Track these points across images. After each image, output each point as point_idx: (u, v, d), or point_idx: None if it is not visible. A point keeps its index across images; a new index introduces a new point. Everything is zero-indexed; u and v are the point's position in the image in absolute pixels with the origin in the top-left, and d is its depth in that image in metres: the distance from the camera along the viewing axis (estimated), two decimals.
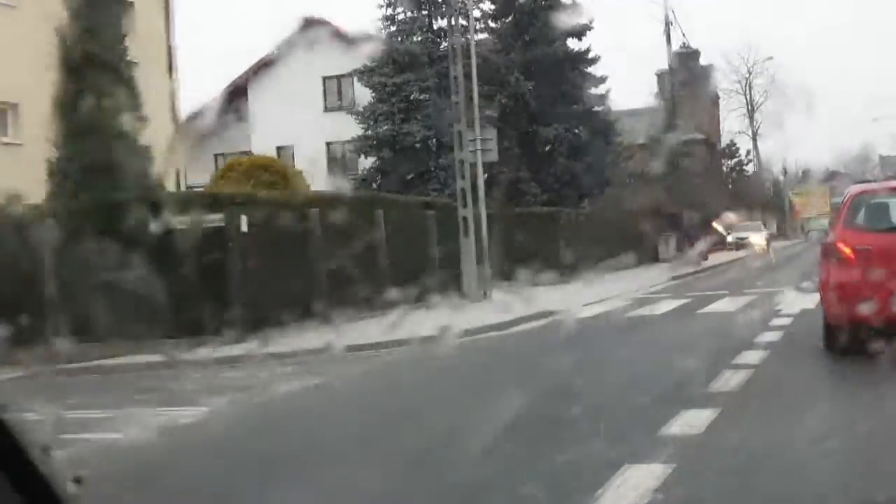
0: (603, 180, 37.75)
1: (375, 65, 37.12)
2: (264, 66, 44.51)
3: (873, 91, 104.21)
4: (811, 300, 18.16)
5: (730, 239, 51.10)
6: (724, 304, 18.53)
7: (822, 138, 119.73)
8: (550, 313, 18.42)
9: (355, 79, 39.50)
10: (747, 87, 76.30)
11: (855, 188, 11.95)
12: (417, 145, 36.11)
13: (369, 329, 15.82)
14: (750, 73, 77.38)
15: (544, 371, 11.13)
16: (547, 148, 33.90)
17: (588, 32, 36.41)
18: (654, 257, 38.28)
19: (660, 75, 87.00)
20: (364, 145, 36.88)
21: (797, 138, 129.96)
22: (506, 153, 34.33)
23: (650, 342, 13.50)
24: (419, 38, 37.64)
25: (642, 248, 37.88)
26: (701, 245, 42.09)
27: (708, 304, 18.56)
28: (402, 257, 19.76)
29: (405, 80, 36.59)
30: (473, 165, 22.17)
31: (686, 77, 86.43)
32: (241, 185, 20.46)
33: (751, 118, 74.87)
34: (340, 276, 17.05)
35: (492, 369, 11.82)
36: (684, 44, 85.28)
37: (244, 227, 14.85)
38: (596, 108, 36.97)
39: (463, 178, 21.34)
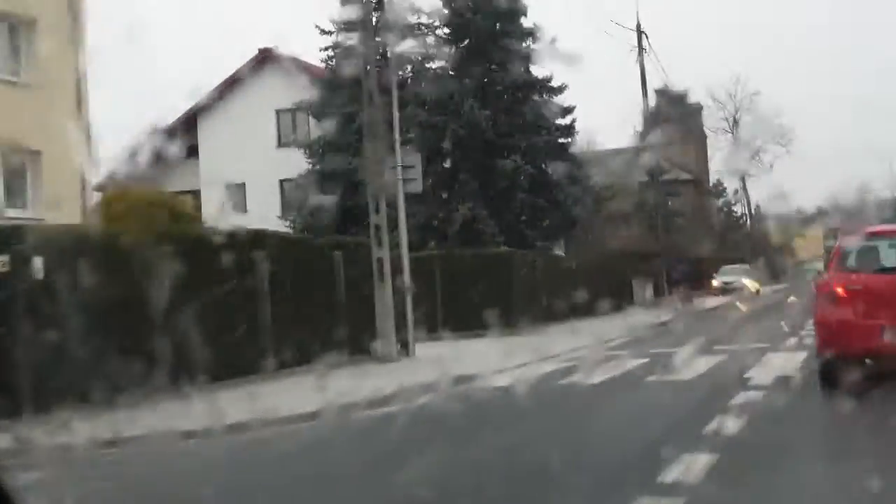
0: (571, 219, 33.86)
1: (326, 95, 33.55)
2: (215, 99, 40.74)
3: (869, 128, 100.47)
4: (793, 363, 14.39)
5: (715, 283, 47.20)
6: (685, 368, 14.66)
7: (815, 177, 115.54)
8: (467, 378, 14.58)
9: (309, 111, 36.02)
10: (734, 125, 72.70)
11: (847, 234, 13.34)
12: None
13: (217, 406, 11.90)
14: (737, 110, 73.87)
15: (371, 485, 7.26)
16: (506, 183, 30.03)
17: (552, 59, 32.65)
18: (628, 303, 34.41)
19: (645, 114, 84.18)
20: (310, 181, 33.10)
21: (788, 177, 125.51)
22: (461, 189, 30.64)
23: (556, 431, 9.61)
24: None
25: (616, 294, 34.01)
26: (684, 290, 38.29)
27: (664, 369, 14.68)
28: (294, 309, 15.90)
29: (356, 110, 32.96)
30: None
31: (672, 116, 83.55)
32: (118, 225, 16.62)
33: (738, 157, 71.10)
34: (192, 335, 13.16)
35: (320, 473, 7.96)
36: (666, 84, 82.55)
37: (38, 273, 11.04)
38: (562, 140, 33.16)
39: (378, 211, 17.53)
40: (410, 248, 30.12)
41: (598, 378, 13.53)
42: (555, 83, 32.55)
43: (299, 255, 16.60)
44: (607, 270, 35.09)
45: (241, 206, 38.05)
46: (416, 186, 19.43)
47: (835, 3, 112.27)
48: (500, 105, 30.72)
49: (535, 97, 32.04)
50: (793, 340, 18.52)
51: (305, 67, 37.89)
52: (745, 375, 12.80)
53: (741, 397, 10.72)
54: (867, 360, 10.52)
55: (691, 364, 14.99)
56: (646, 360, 16.14)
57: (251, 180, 39.24)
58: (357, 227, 32.56)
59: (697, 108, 78.78)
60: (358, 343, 17.25)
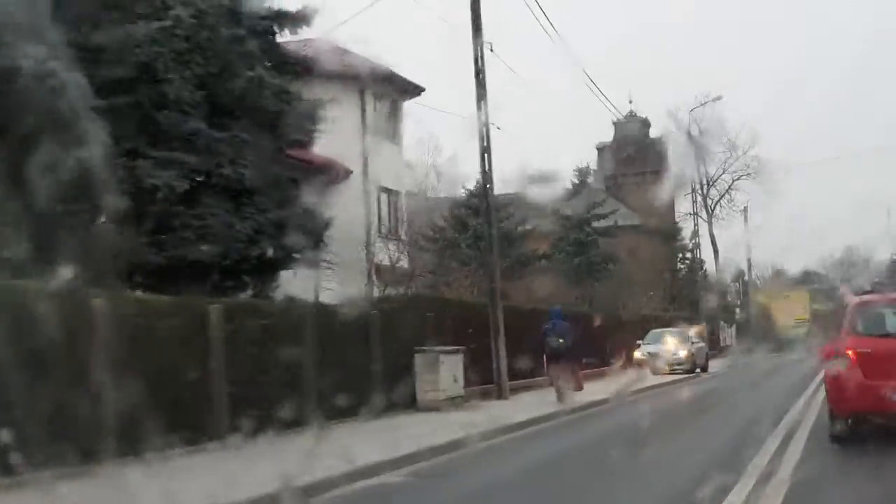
0: (309, 233, 16.40)
1: None
2: None
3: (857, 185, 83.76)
4: None
5: (638, 354, 29.85)
6: None
7: (797, 235, 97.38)
8: None
9: None
10: (697, 152, 55.26)
11: (855, 300, 13.01)
12: None
13: None
14: (700, 132, 56.49)
15: None
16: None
17: None
18: (408, 398, 16.68)
19: (601, 149, 67.43)
20: None
21: (765, 232, 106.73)
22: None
23: None
24: None
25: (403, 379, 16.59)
26: (564, 368, 20.81)
27: None
28: None
29: None
30: None
31: (631, 151, 66.67)
32: None
33: (703, 193, 53.54)
34: None
35: None
36: (631, 111, 65.63)
37: None
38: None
39: None
40: None
41: None
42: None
43: None
44: (403, 334, 17.69)
45: None
46: None
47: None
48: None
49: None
50: None
51: None
52: None
53: None
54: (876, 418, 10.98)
55: None
56: None
57: None
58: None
59: (661, 142, 62.31)
60: None
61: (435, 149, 38.20)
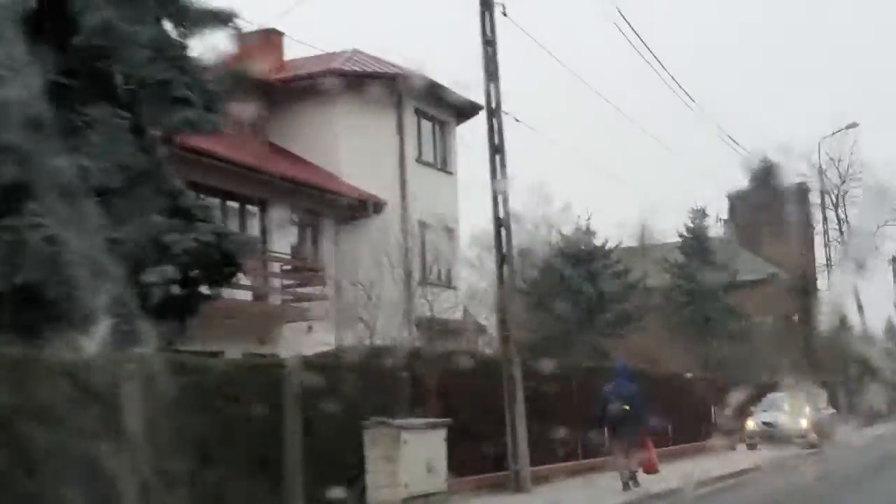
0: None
1: None
2: None
3: None
4: None
5: (751, 424, 23.99)
6: None
7: None
8: None
9: None
10: (838, 198, 48.63)
11: None
12: None
13: None
14: (843, 180, 49.98)
15: None
16: None
17: None
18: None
19: (732, 197, 61.47)
20: None
21: None
22: None
23: None
24: None
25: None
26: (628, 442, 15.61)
27: None
28: None
29: None
30: None
31: (764, 198, 60.35)
32: None
33: (843, 242, 46.78)
34: None
35: None
36: (765, 157, 59.35)
37: None
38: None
39: None
40: None
41: None
42: None
43: None
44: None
45: None
46: None
47: None
48: None
49: None
50: None
51: None
52: None
53: None
54: None
55: None
56: None
57: None
58: None
59: (799, 187, 55.88)
60: None
61: (544, 198, 33.23)
